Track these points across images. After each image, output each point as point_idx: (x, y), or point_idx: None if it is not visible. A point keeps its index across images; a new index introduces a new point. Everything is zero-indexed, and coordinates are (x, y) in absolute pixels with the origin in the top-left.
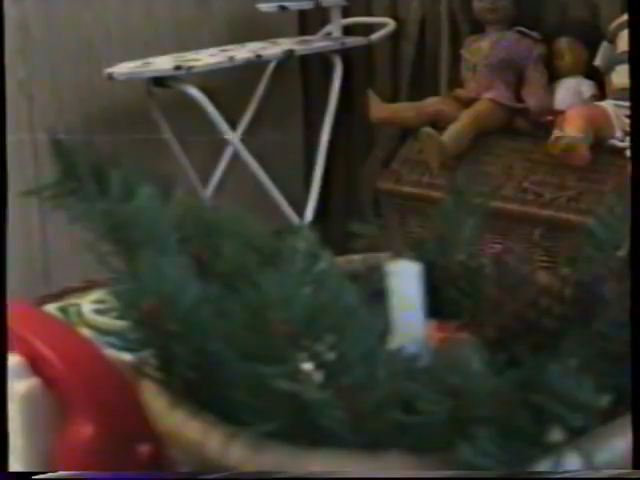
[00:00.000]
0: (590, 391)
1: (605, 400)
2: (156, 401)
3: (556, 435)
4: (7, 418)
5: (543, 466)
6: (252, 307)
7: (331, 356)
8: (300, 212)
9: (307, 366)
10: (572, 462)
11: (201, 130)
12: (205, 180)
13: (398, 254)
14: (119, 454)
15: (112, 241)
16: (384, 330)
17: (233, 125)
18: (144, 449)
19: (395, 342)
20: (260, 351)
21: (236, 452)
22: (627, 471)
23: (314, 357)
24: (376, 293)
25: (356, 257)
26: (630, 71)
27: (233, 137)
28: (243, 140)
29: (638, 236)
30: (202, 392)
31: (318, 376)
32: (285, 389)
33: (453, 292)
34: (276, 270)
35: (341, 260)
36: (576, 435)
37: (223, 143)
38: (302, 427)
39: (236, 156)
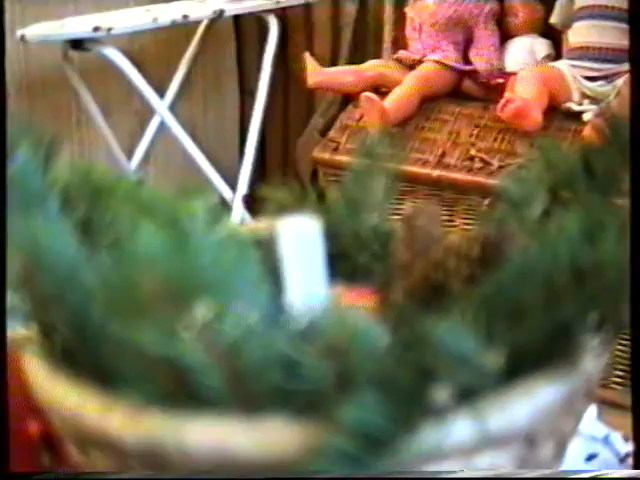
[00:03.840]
0: (478, 347)
1: (496, 358)
2: (36, 371)
3: (446, 395)
4: (7, 416)
5: (431, 428)
6: (122, 264)
7: (207, 318)
8: (234, 185)
9: (183, 328)
10: (463, 424)
11: (125, 98)
12: (130, 152)
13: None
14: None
15: None
16: (270, 292)
17: (160, 92)
18: (33, 426)
19: (291, 304)
20: (132, 313)
21: (115, 420)
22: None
23: (189, 318)
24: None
25: (262, 224)
26: (630, 63)
27: (160, 105)
28: (172, 108)
29: (638, 229)
30: (81, 359)
31: (194, 338)
32: (158, 353)
33: (364, 257)
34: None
35: (246, 227)
36: (468, 396)
37: (150, 112)
38: (182, 392)
39: (164, 125)
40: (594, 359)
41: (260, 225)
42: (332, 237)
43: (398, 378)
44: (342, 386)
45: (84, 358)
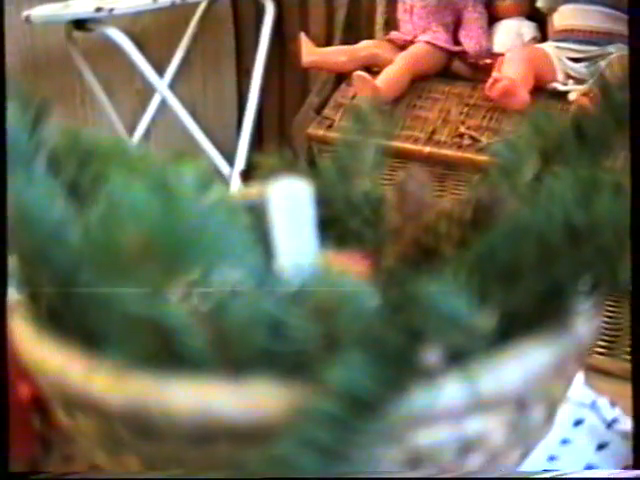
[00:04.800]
0: (470, 309)
1: (487, 320)
2: (23, 333)
3: (435, 358)
4: (7, 417)
5: (421, 391)
6: (109, 222)
7: (193, 278)
8: (232, 162)
9: (168, 288)
10: (454, 387)
11: (127, 77)
12: (132, 129)
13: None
14: None
15: None
16: (259, 256)
17: (161, 71)
18: (24, 389)
19: (281, 267)
20: (117, 272)
21: (98, 381)
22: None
23: (172, 279)
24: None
25: (253, 190)
26: (630, 65)
27: (161, 84)
28: (172, 87)
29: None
30: (66, 320)
31: (178, 298)
32: (138, 312)
33: (356, 222)
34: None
35: (238, 193)
36: (459, 359)
37: (151, 90)
38: (166, 354)
39: (164, 104)
40: (586, 322)
41: (251, 190)
42: (323, 202)
43: (387, 340)
44: (330, 348)
45: (69, 319)
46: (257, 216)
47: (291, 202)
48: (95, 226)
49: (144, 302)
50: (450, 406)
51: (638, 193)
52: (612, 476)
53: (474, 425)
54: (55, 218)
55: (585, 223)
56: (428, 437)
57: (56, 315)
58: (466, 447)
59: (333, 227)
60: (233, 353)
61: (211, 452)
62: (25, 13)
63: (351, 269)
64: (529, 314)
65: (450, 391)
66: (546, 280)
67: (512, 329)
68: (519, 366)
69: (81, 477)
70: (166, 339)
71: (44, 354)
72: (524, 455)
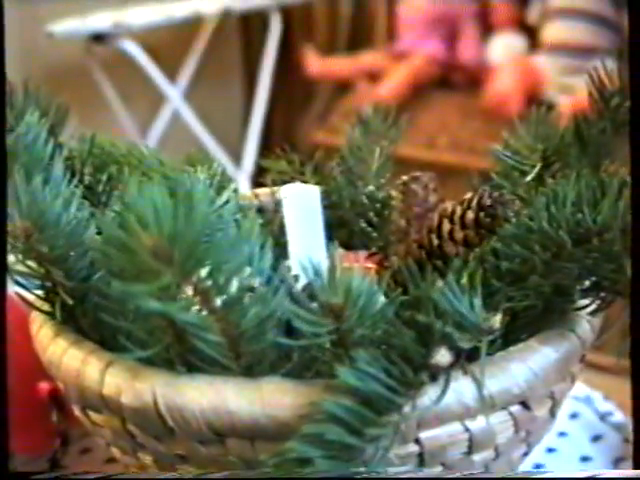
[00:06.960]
0: (478, 309)
1: (495, 320)
2: (41, 331)
3: (444, 358)
4: (7, 416)
5: (429, 389)
6: (120, 220)
7: (206, 277)
8: (241, 167)
9: (186, 289)
10: (462, 387)
11: (141, 87)
12: (146, 137)
13: None
14: (21, 391)
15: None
16: (271, 256)
17: (174, 82)
18: (44, 386)
19: (292, 267)
20: (129, 269)
21: (113, 379)
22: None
23: (187, 278)
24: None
25: (264, 191)
26: (630, 66)
27: (173, 94)
28: (184, 97)
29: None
30: (84, 319)
31: (194, 298)
32: (153, 308)
33: (362, 224)
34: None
35: (248, 194)
36: (466, 359)
37: (164, 100)
38: (181, 353)
39: (177, 113)
40: (589, 322)
41: (263, 193)
42: (330, 205)
43: (397, 339)
44: (340, 345)
45: (85, 319)
46: (268, 217)
47: (302, 205)
48: (112, 227)
49: (159, 299)
50: (458, 405)
51: (638, 193)
52: (612, 476)
53: (481, 423)
54: (70, 222)
55: (591, 225)
56: (436, 434)
57: (73, 315)
58: (473, 444)
59: (341, 229)
60: (245, 351)
61: (224, 450)
62: (48, 28)
63: (359, 269)
64: (534, 315)
65: (458, 390)
66: (551, 281)
67: (518, 329)
68: (524, 366)
69: (81, 477)
70: (180, 337)
71: (61, 354)
72: (528, 451)
